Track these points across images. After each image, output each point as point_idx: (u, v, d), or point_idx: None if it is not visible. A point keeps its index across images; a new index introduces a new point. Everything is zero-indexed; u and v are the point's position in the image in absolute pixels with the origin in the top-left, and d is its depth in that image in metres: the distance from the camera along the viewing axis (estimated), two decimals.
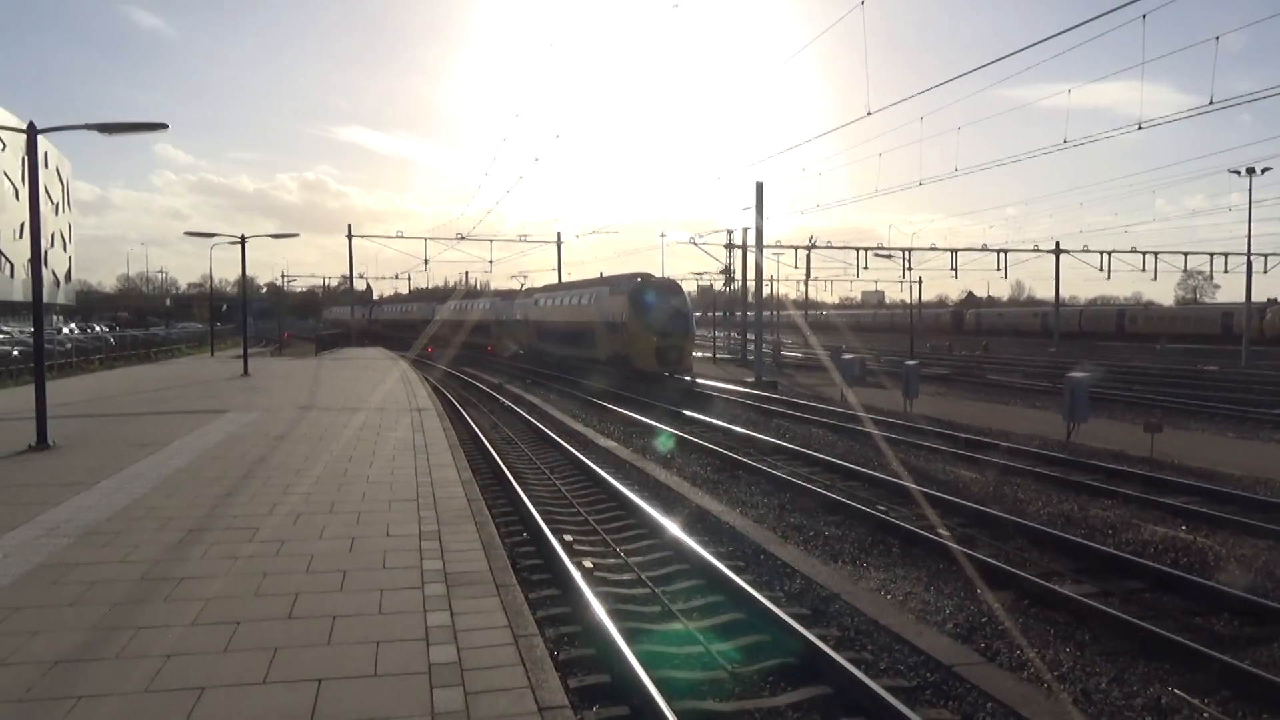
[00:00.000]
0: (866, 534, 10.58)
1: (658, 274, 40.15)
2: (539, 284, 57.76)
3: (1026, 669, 6.70)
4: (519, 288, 60.66)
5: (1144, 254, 62.12)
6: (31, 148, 13.00)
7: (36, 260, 13.46)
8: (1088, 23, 12.32)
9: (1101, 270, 61.61)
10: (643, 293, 33.41)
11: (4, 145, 72.43)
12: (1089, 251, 62.21)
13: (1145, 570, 8.88)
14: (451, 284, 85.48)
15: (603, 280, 39.97)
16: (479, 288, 74.00)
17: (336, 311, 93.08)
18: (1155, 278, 63.76)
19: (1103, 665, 6.77)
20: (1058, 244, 63.21)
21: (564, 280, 57.35)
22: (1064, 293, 66.11)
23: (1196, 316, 68.21)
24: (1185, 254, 63.60)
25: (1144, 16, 15.21)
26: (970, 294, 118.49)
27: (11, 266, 77.01)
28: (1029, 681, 6.46)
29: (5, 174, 75.10)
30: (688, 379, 31.95)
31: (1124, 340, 66.76)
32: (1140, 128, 17.98)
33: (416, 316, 71.14)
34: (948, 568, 9.17)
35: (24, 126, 12.97)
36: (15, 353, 33.61)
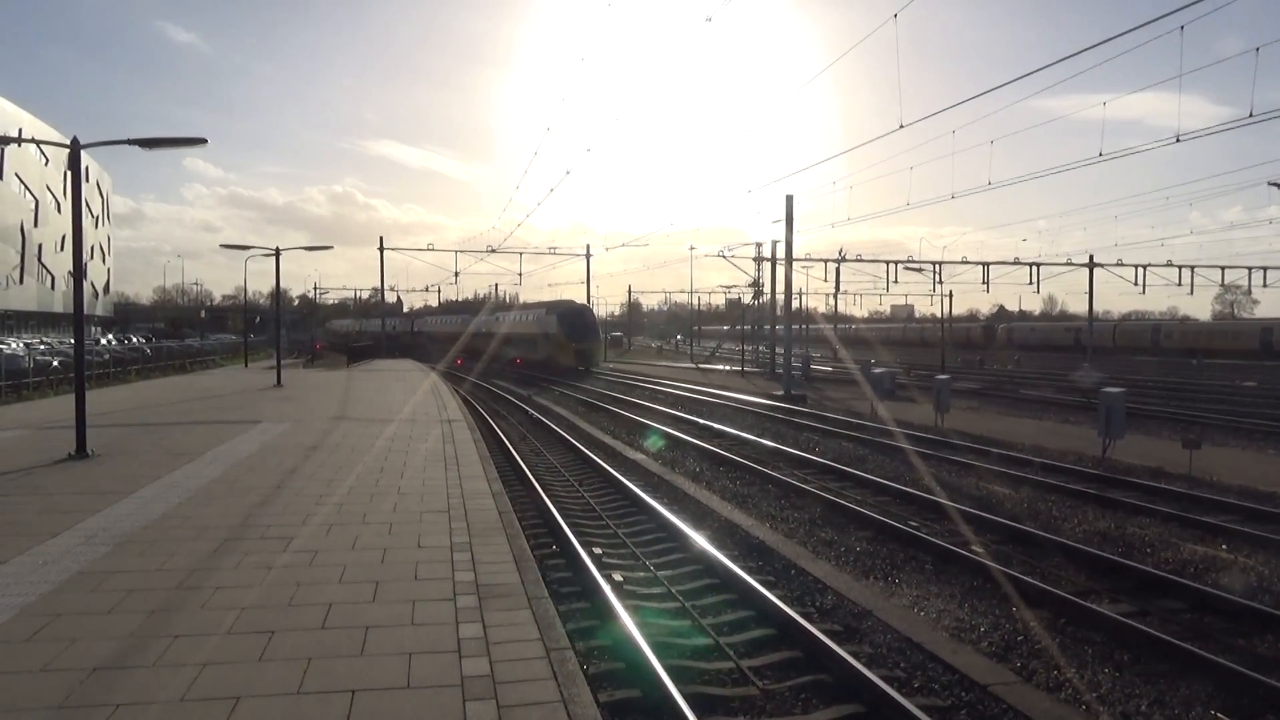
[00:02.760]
0: (899, 550, 10.48)
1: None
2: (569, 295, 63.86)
3: (1064, 689, 6.59)
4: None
5: (1180, 268, 61.08)
6: (75, 163, 13.24)
7: (78, 273, 13.70)
8: (1125, 34, 12.19)
9: (1136, 284, 60.61)
10: (565, 314, 49.81)
11: (47, 160, 74.13)
12: (1123, 265, 61.19)
13: (1185, 590, 8.70)
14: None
15: (541, 304, 57.25)
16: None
17: (336, 324, 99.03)
18: (1192, 292, 62.53)
19: (1142, 687, 6.64)
20: (1091, 257, 62.11)
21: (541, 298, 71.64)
22: (1098, 307, 65.02)
23: (1234, 331, 67.01)
24: (1222, 268, 62.42)
25: (1182, 28, 15.00)
26: (1001, 308, 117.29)
27: (53, 278, 78.64)
28: (1067, 702, 6.35)
29: (48, 188, 76.78)
30: (594, 369, 47.16)
31: (1159, 355, 65.68)
32: (1179, 140, 17.71)
33: (400, 330, 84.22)
34: (982, 585, 9.05)
35: (67, 142, 13.24)
36: (56, 363, 34.25)
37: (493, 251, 62.12)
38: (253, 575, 7.07)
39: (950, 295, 58.36)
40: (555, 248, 68.01)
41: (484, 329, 62.24)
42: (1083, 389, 32.87)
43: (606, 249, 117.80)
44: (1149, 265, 60.59)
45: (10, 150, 66.20)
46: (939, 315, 64.11)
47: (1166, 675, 6.81)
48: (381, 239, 64.87)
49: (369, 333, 79.46)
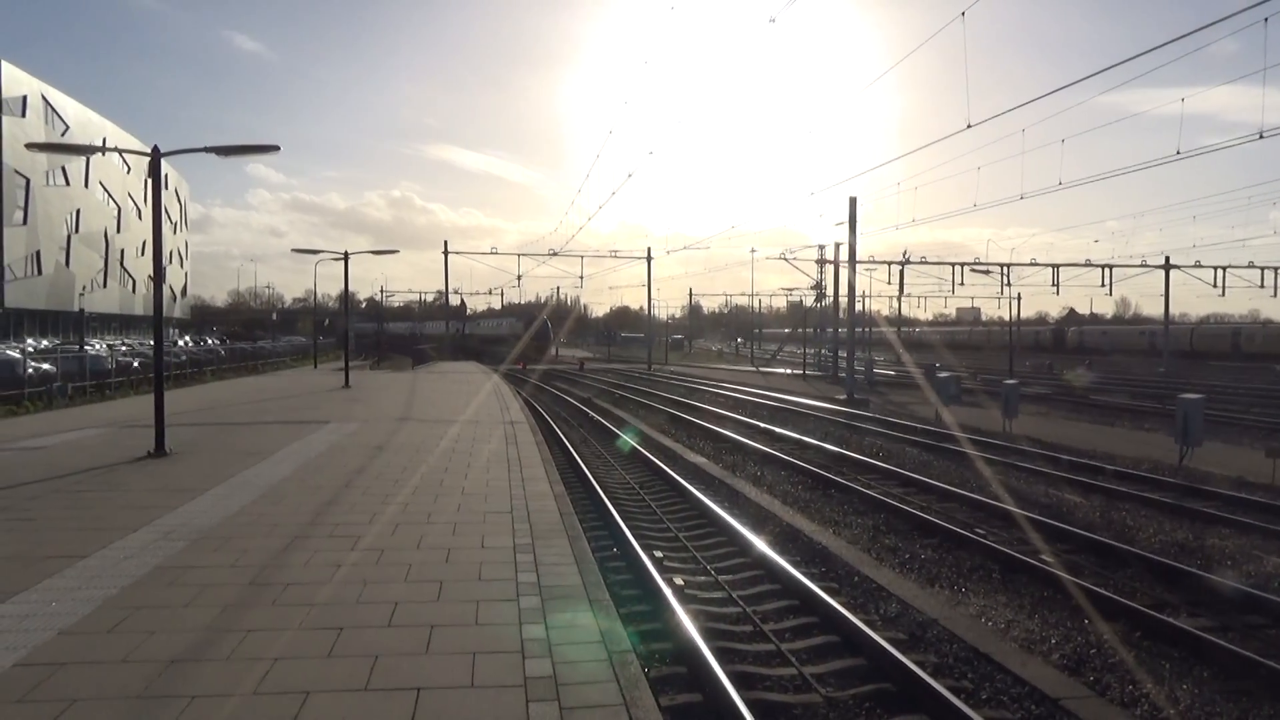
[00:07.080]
0: (965, 558, 10.26)
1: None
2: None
3: (1140, 705, 6.37)
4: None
5: (1262, 269, 58.78)
6: (155, 170, 13.73)
7: (158, 277, 14.20)
8: (1207, 27, 11.77)
9: (1215, 286, 58.56)
10: (525, 320, 72.16)
11: (129, 168, 76.94)
12: (1201, 267, 59.17)
13: (1270, 605, 8.35)
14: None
15: (508, 312, 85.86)
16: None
17: (359, 326, 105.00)
18: (1275, 294, 60.02)
19: (1224, 705, 6.39)
20: (1167, 259, 60.24)
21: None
22: (1174, 310, 62.59)
23: None
24: None
25: (1265, 20, 14.41)
26: (1072, 311, 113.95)
27: (134, 282, 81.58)
28: (1142, 719, 6.15)
29: (129, 195, 79.68)
30: (544, 364, 60.08)
31: (1240, 360, 63.18)
32: (1261, 136, 17.05)
33: (406, 333, 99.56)
34: (1052, 595, 8.81)
35: (148, 150, 13.73)
36: (136, 364, 35.56)
37: (554, 255, 62.84)
38: (322, 572, 7.23)
39: (1019, 297, 57.05)
40: (616, 251, 68.62)
41: (475, 330, 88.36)
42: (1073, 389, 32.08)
43: (668, 252, 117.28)
44: (1229, 267, 58.57)
45: (95, 159, 68.85)
46: (1006, 318, 62.69)
47: (1250, 693, 6.55)
48: (446, 243, 66.13)
49: (389, 334, 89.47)
